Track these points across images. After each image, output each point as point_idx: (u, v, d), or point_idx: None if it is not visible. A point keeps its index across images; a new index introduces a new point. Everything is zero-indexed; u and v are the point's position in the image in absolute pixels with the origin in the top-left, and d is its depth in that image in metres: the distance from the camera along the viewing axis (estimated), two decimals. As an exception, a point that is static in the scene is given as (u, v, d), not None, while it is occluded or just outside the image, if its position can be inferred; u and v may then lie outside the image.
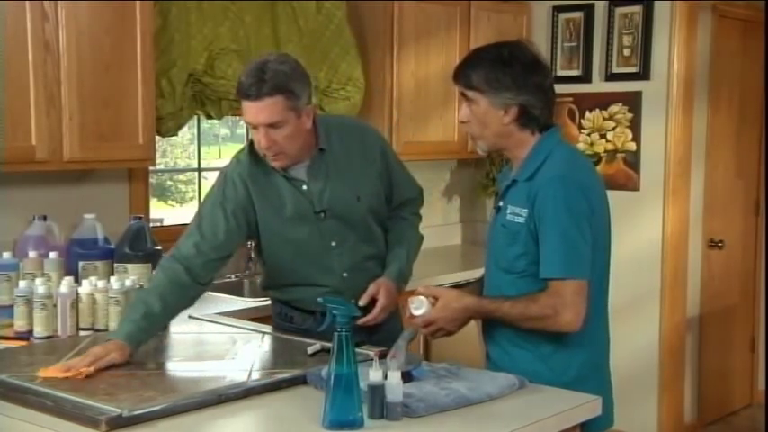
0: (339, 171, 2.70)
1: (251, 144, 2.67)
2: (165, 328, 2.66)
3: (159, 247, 3.14)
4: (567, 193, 2.27)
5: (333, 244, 2.71)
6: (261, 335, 2.73)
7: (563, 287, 2.25)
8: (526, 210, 2.30)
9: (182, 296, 2.55)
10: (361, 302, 2.63)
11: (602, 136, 4.72)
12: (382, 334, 2.70)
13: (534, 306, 2.27)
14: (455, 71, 2.39)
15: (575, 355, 2.36)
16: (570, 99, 4.77)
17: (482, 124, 2.36)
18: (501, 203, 2.42)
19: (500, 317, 2.33)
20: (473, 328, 2.63)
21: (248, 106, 2.51)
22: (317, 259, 2.71)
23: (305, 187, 2.67)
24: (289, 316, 2.84)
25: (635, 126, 4.63)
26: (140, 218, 3.20)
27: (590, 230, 2.28)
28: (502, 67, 2.31)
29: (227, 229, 2.62)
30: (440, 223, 4.99)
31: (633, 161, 4.65)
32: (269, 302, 3.51)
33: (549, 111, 2.39)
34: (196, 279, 2.56)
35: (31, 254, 2.96)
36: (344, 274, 2.72)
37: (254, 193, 2.66)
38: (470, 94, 2.35)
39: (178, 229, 4.05)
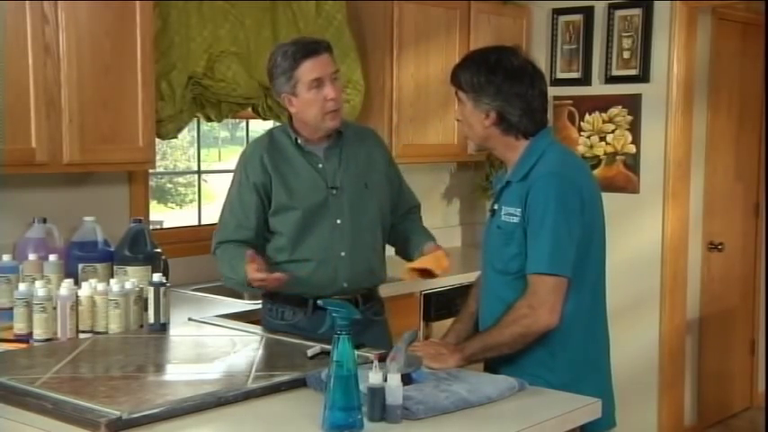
0: (351, 157, 2.92)
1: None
2: None
3: (159, 250, 3.14)
4: (560, 190, 2.29)
5: (338, 222, 2.86)
6: (260, 337, 2.73)
7: (541, 283, 2.27)
8: (520, 209, 2.33)
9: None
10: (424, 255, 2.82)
11: (602, 138, 4.72)
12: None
13: (510, 312, 2.30)
14: (452, 70, 2.47)
15: (573, 354, 2.37)
16: (570, 102, 4.76)
17: (468, 124, 2.44)
18: (496, 206, 2.44)
19: (492, 345, 2.33)
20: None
21: (315, 62, 2.77)
22: (320, 233, 2.85)
23: (320, 165, 2.88)
24: (279, 312, 2.91)
25: (635, 129, 4.63)
26: (140, 220, 3.19)
27: (580, 228, 2.30)
28: (485, 73, 2.37)
29: (256, 206, 2.85)
30: (439, 225, 4.97)
31: (633, 164, 4.65)
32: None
33: (533, 118, 2.40)
34: (254, 245, 2.82)
35: (31, 256, 2.96)
36: (342, 253, 2.86)
37: (270, 166, 2.85)
38: (460, 94, 2.43)
39: (178, 232, 4.08)
